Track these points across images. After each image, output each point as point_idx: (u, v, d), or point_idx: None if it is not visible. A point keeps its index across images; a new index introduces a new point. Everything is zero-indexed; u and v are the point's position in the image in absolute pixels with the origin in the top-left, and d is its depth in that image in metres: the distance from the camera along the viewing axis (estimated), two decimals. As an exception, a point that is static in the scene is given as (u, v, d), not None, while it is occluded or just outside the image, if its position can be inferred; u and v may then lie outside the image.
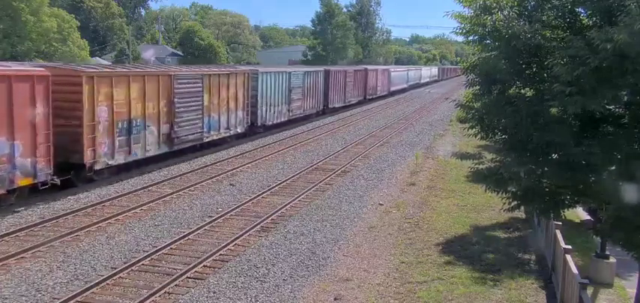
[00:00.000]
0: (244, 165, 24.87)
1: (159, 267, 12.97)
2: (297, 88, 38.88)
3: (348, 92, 52.16)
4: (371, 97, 62.26)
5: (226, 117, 28.79)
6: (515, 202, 11.36)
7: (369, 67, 66.19)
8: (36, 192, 17.52)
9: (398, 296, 11.96)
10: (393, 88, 74.07)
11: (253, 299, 11.55)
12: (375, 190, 21.39)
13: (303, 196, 19.67)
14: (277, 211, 17.56)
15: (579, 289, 9.51)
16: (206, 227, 15.83)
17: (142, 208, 17.52)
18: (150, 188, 20.02)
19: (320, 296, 11.86)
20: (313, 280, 12.70)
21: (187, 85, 25.05)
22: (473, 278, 13.00)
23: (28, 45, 49.23)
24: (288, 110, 37.73)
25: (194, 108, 25.58)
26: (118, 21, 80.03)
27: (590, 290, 10.62)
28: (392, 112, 53.59)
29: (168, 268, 12.88)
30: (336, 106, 48.89)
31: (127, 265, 12.80)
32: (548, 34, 10.31)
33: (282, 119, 36.74)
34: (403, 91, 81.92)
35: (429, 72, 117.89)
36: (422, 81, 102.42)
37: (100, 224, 15.72)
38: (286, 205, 18.36)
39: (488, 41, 11.31)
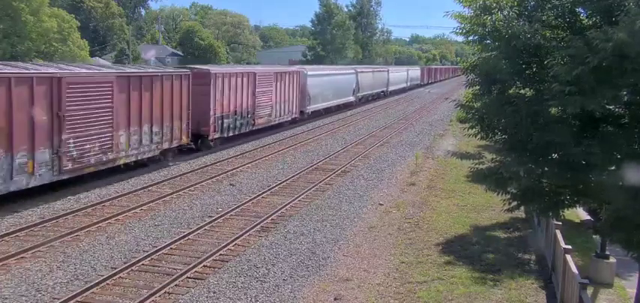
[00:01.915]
0: (244, 165, 24.87)
1: (159, 267, 12.97)
2: None
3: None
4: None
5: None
6: (515, 202, 11.36)
7: (161, 71, 25.10)
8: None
9: (398, 296, 11.96)
10: (314, 107, 41.88)
11: (253, 299, 11.55)
12: (375, 190, 21.39)
13: (303, 196, 19.67)
14: (277, 211, 17.56)
15: (579, 289, 9.51)
16: (206, 227, 15.83)
17: (142, 208, 17.52)
18: (150, 188, 20.02)
19: (320, 296, 11.86)
20: (313, 280, 12.70)
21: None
22: (473, 278, 13.00)
23: (28, 45, 49.21)
24: None
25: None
26: (118, 21, 80.00)
27: (590, 290, 10.62)
28: (390, 112, 53.59)
29: (169, 268, 12.88)
30: None
31: (127, 265, 12.80)
32: (548, 34, 10.31)
33: None
34: (345, 108, 50.72)
35: (404, 75, 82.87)
36: (390, 88, 71.34)
37: (100, 224, 15.72)
38: (286, 205, 18.36)
39: (488, 41, 11.32)
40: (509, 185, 11.06)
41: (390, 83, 70.65)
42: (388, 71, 71.59)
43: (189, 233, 15.14)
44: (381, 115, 49.37)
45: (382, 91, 67.05)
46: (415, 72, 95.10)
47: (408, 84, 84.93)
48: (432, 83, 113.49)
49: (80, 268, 12.70)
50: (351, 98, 52.97)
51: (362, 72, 57.85)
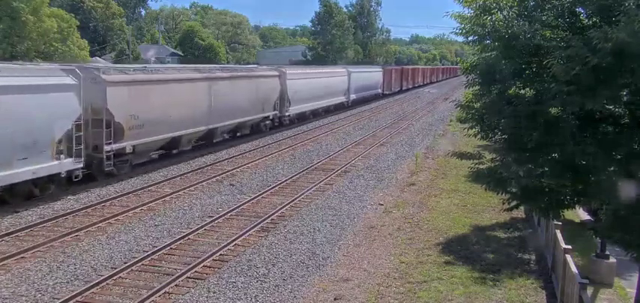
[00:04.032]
0: (244, 165, 24.87)
1: (159, 267, 12.97)
2: None
3: None
4: None
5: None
6: (515, 202, 11.36)
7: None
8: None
9: (398, 296, 11.96)
10: None
11: (253, 299, 11.55)
12: (375, 190, 21.39)
13: (303, 196, 19.67)
14: (277, 211, 17.56)
15: (579, 289, 9.52)
16: (206, 227, 15.83)
17: (142, 208, 17.52)
18: (150, 188, 20.02)
19: (320, 296, 11.86)
20: (313, 280, 12.70)
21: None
22: (473, 278, 13.00)
23: (28, 45, 49.18)
24: None
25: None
26: (118, 21, 79.93)
27: (590, 290, 10.63)
28: (390, 112, 53.54)
29: (169, 268, 12.88)
30: None
31: (127, 265, 12.80)
32: (548, 34, 10.30)
33: None
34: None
35: (340, 81, 50.37)
36: (296, 108, 39.68)
37: (100, 224, 15.72)
38: (286, 205, 18.36)
39: (488, 41, 11.30)
40: (509, 185, 11.05)
41: (292, 100, 38.32)
42: (283, 76, 36.91)
43: (189, 233, 15.14)
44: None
45: (264, 120, 34.72)
46: (368, 75, 60.88)
47: (351, 97, 53.33)
48: (405, 91, 77.34)
49: (80, 268, 12.70)
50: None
51: (139, 84, 22.49)
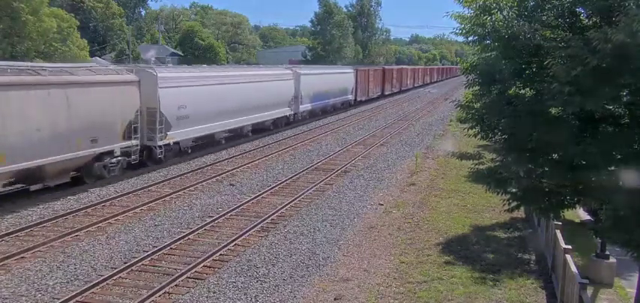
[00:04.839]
0: (244, 165, 24.87)
1: (159, 267, 12.97)
2: None
3: None
4: None
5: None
6: (515, 203, 11.37)
7: None
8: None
9: (398, 296, 11.96)
10: None
11: (253, 299, 11.56)
12: (375, 190, 21.39)
13: (303, 196, 19.67)
14: (277, 211, 17.56)
15: (579, 289, 9.52)
16: (206, 227, 15.83)
17: (142, 208, 17.52)
18: (150, 188, 20.02)
19: (320, 296, 11.86)
20: (313, 280, 12.70)
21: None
22: (473, 278, 13.00)
23: (28, 45, 49.16)
24: None
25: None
26: (118, 21, 79.89)
27: (590, 290, 10.62)
28: (391, 112, 53.49)
29: (169, 268, 12.88)
30: None
31: (127, 265, 12.80)
32: (549, 34, 10.31)
33: None
34: None
35: (263, 88, 33.36)
36: (171, 136, 23.65)
37: (100, 224, 15.72)
38: (286, 205, 18.36)
39: (488, 41, 11.32)
40: (510, 185, 11.06)
41: (173, 120, 24.17)
42: (149, 79, 22.45)
43: (189, 233, 15.14)
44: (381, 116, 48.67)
45: (101, 159, 20.20)
46: (331, 77, 48.61)
47: (302, 107, 41.02)
48: (388, 96, 67.12)
49: (80, 268, 12.70)
50: None
51: None
